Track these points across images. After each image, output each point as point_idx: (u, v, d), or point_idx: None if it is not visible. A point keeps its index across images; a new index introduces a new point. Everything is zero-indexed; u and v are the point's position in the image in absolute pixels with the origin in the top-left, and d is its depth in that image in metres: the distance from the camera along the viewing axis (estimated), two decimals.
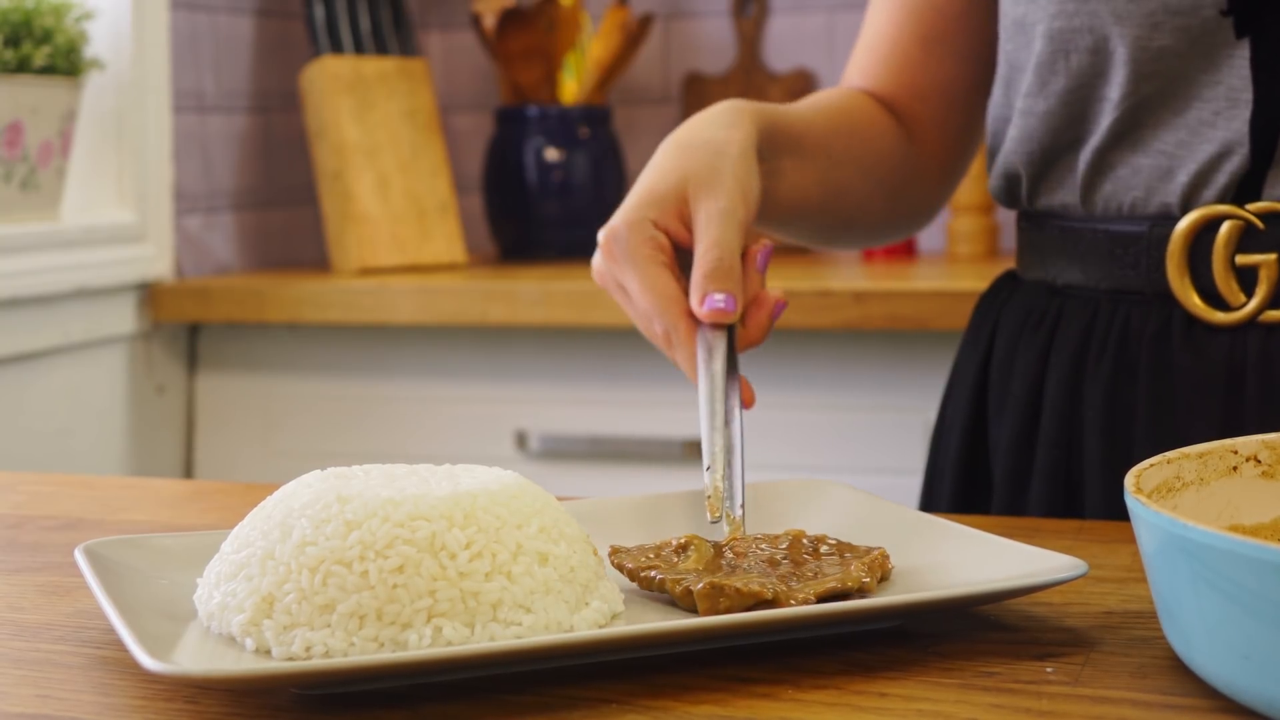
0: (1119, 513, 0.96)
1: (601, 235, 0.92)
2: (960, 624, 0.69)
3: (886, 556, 0.72)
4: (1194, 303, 0.96)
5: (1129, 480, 0.64)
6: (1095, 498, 0.99)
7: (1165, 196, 0.96)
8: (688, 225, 0.91)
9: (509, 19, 2.29)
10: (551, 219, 2.32)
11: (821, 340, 1.91)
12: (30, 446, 1.90)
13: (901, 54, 1.10)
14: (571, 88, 2.34)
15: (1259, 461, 0.72)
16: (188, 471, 2.16)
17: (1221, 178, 0.94)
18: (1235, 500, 0.71)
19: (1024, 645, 0.67)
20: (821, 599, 0.68)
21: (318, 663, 0.60)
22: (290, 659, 0.64)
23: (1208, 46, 0.93)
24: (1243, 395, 0.95)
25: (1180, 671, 0.62)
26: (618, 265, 0.90)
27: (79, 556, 0.73)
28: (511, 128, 2.33)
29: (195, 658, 0.64)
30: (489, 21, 2.32)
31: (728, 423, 0.83)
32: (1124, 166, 0.98)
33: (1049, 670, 0.63)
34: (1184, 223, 0.95)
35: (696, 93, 2.46)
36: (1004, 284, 1.12)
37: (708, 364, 0.86)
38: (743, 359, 2.02)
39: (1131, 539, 0.79)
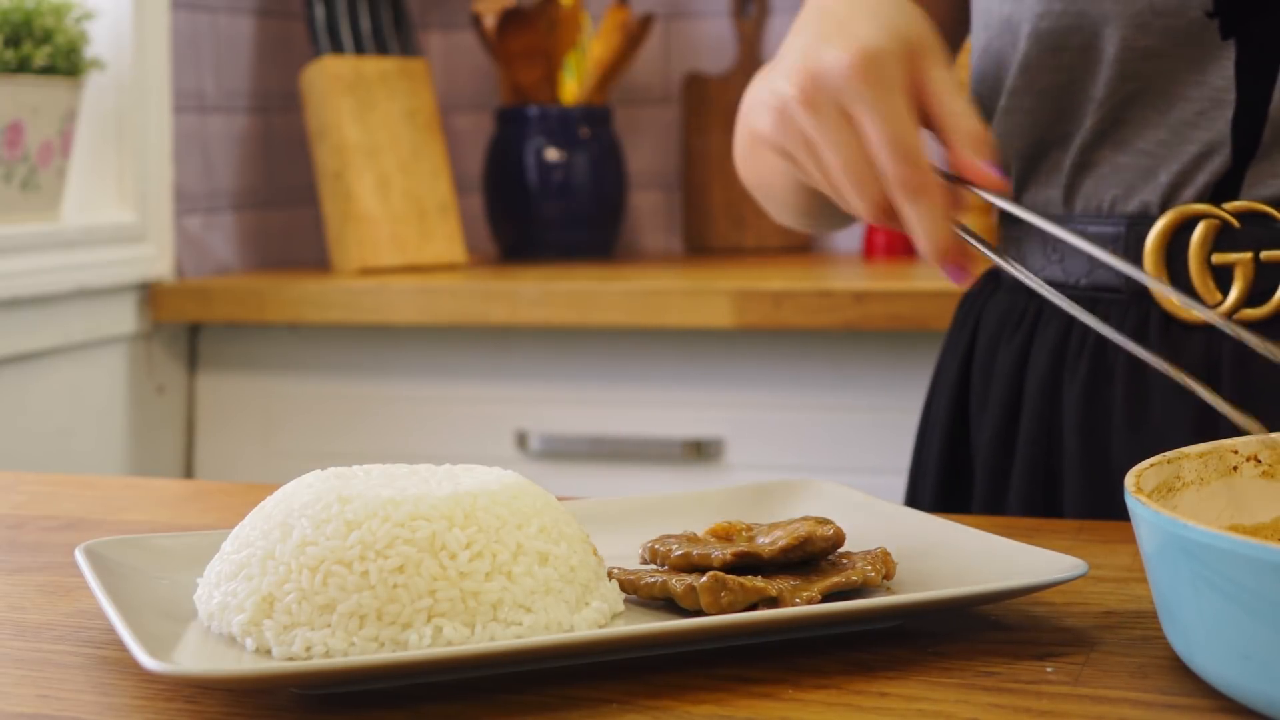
0: (1097, 512, 0.97)
1: (847, 53, 0.80)
2: (960, 624, 0.69)
3: (889, 554, 0.72)
4: (1171, 301, 0.96)
5: (1129, 480, 0.64)
6: (1073, 497, 1.00)
7: (1145, 195, 0.97)
8: (914, 88, 0.82)
9: (509, 19, 2.29)
10: (552, 219, 2.32)
11: (821, 340, 1.91)
12: (30, 446, 1.90)
13: None
14: (572, 88, 2.34)
15: (1259, 461, 0.72)
16: (188, 471, 2.16)
17: (1202, 177, 0.95)
18: (1235, 500, 0.71)
19: (1024, 645, 0.67)
20: (827, 596, 0.68)
21: (318, 663, 0.60)
22: (290, 659, 0.64)
23: (1193, 47, 0.94)
24: (1218, 393, 0.95)
25: (1180, 671, 0.63)
26: (865, 86, 0.79)
27: (79, 556, 0.73)
28: (512, 128, 2.33)
29: (195, 658, 0.64)
30: (489, 21, 2.32)
31: None
32: (1106, 164, 0.98)
33: (1049, 670, 0.63)
34: (1161, 222, 0.95)
35: (696, 93, 2.46)
36: (986, 282, 1.12)
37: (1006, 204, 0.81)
38: (742, 357, 2.00)
39: (1131, 539, 0.79)
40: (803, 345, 1.92)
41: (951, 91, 0.81)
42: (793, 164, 0.86)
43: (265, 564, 0.66)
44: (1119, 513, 0.94)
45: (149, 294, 2.08)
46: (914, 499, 1.13)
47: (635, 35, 2.32)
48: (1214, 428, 0.94)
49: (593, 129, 2.33)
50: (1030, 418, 1.02)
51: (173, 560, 0.75)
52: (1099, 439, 0.99)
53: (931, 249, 0.80)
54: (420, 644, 0.63)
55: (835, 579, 0.69)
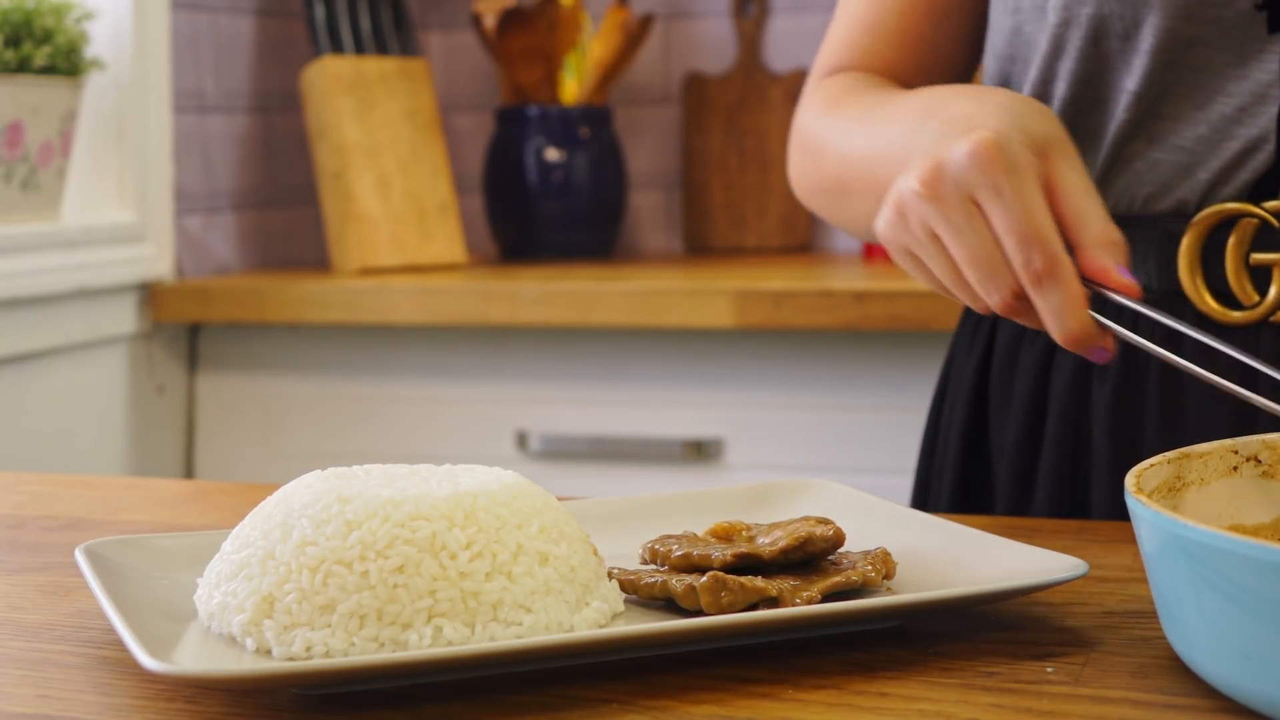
0: (1127, 515, 0.96)
1: (976, 140, 0.78)
2: (960, 624, 0.69)
3: (889, 554, 0.72)
4: (1206, 302, 0.95)
5: (1129, 480, 0.64)
6: (1102, 500, 0.99)
7: (1183, 194, 0.95)
8: (1045, 186, 0.80)
9: (509, 19, 2.29)
10: (552, 219, 2.32)
11: (821, 340, 1.91)
12: (30, 446, 1.90)
13: (912, 28, 1.07)
14: (572, 88, 2.34)
15: (1259, 461, 0.72)
16: (188, 471, 2.16)
17: (1243, 175, 0.93)
18: (1235, 500, 0.71)
19: (1024, 645, 0.67)
20: (827, 596, 0.68)
21: (318, 663, 0.60)
22: (290, 659, 0.64)
23: (1238, 40, 0.92)
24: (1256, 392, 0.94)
25: (1180, 671, 0.63)
26: (997, 174, 0.77)
27: (79, 556, 0.73)
28: (512, 128, 2.33)
29: (195, 658, 0.64)
30: (489, 21, 2.32)
31: None
32: (1141, 160, 0.96)
33: (1049, 670, 0.63)
34: (1198, 221, 0.94)
35: (696, 93, 2.46)
36: None
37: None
38: (742, 357, 2.00)
39: (1132, 539, 0.79)
40: (803, 345, 1.92)
41: (1083, 192, 0.79)
42: (913, 266, 0.83)
43: (265, 564, 0.66)
44: None
45: (149, 294, 2.08)
46: (926, 500, 1.11)
47: (635, 35, 2.32)
48: (1250, 431, 0.92)
49: (593, 129, 2.33)
50: (1057, 418, 1.01)
51: (173, 560, 0.75)
52: (1130, 441, 0.97)
53: (1066, 337, 0.77)
54: (420, 644, 0.63)
55: (835, 579, 0.69)
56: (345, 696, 0.62)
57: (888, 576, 0.71)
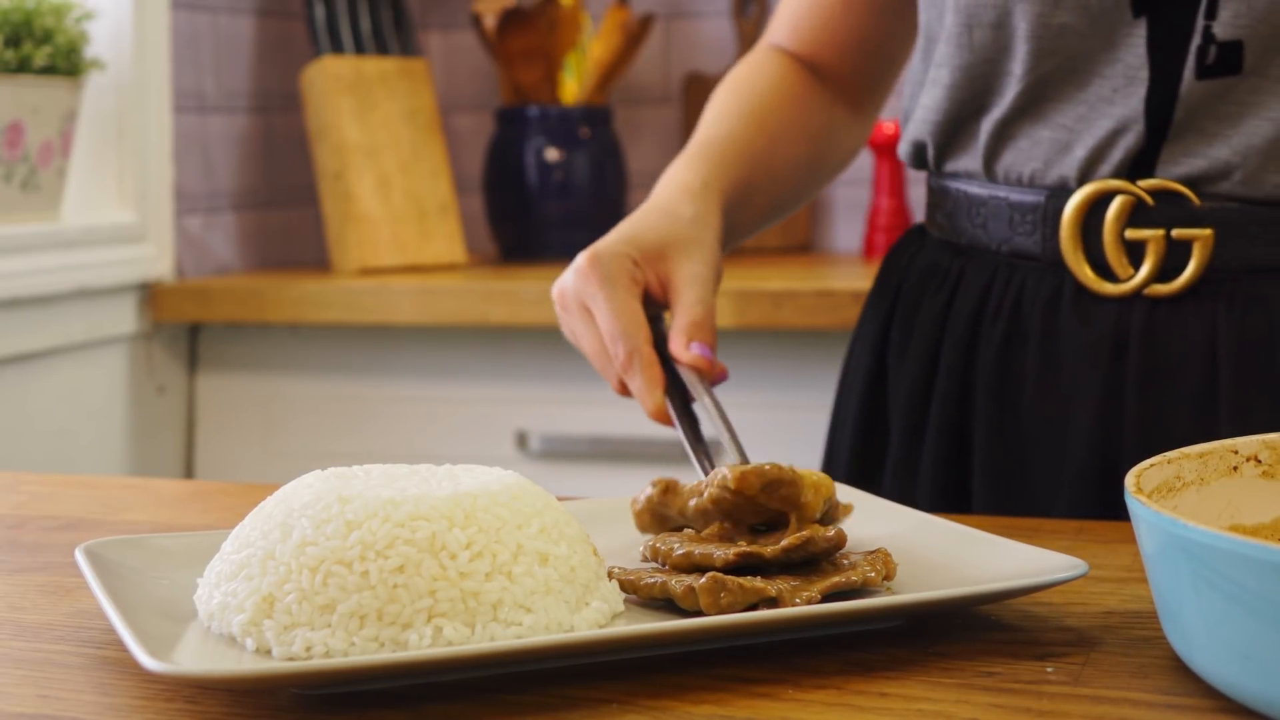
0: (1006, 477, 1.01)
1: (582, 257, 0.95)
2: (960, 624, 0.70)
3: (889, 554, 0.72)
4: (1085, 273, 0.99)
5: (1129, 480, 0.64)
6: (984, 457, 1.02)
7: (1063, 169, 0.99)
8: (661, 281, 0.96)
9: (509, 19, 2.29)
10: (552, 219, 2.32)
11: (821, 340, 1.91)
12: (30, 446, 1.90)
13: (824, 12, 1.14)
14: (572, 88, 2.34)
15: (1259, 461, 0.72)
16: (188, 472, 2.16)
17: (1117, 153, 0.97)
18: (1235, 500, 0.71)
19: (1024, 645, 0.67)
20: (827, 596, 0.68)
21: (318, 663, 0.61)
22: (291, 659, 0.64)
23: (1107, 25, 0.96)
24: (1125, 365, 0.98)
25: (1180, 671, 0.63)
26: (592, 286, 0.94)
27: (79, 556, 0.73)
28: (512, 128, 2.33)
29: (195, 658, 0.64)
30: (489, 21, 2.32)
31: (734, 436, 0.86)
32: (1024, 138, 1.01)
33: (1049, 670, 0.63)
34: (1078, 196, 0.98)
35: (696, 93, 2.46)
36: (913, 238, 1.15)
37: (700, 389, 0.91)
38: (742, 357, 2.01)
39: (1131, 539, 0.79)
40: (803, 345, 1.92)
41: (688, 283, 0.95)
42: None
43: (265, 564, 0.66)
44: (1028, 478, 1.00)
45: (149, 294, 2.08)
46: (831, 450, 1.16)
47: (635, 35, 2.32)
48: (1120, 396, 0.97)
49: (593, 129, 2.33)
50: (946, 375, 1.05)
51: (173, 560, 0.75)
52: (1010, 401, 1.02)
53: (647, 412, 0.93)
54: (420, 644, 0.63)
55: (835, 579, 0.69)
56: (345, 696, 0.62)
57: (888, 577, 0.71)
